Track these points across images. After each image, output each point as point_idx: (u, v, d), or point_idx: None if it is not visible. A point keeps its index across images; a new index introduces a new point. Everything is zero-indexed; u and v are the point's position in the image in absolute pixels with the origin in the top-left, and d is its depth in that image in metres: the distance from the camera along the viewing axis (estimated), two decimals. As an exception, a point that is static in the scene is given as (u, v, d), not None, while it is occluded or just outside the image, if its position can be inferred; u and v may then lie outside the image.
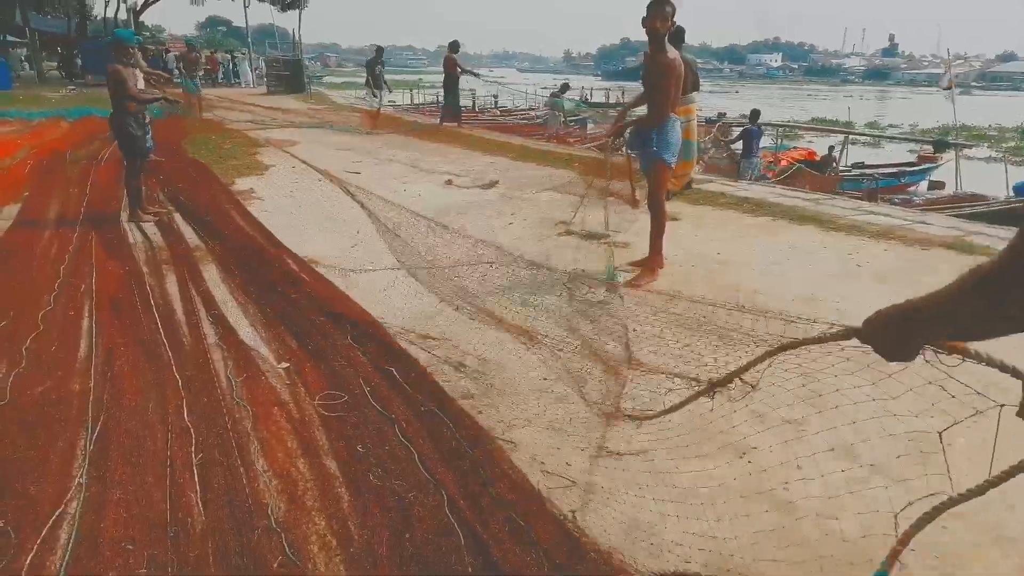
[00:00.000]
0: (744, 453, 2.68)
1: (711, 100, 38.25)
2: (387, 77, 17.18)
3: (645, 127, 4.85)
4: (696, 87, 7.38)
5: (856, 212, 6.96)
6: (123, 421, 2.98)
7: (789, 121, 24.47)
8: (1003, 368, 1.19)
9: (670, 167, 4.90)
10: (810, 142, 21.14)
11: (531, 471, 2.60)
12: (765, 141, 14.31)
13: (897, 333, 1.10)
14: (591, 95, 34.86)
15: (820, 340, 1.48)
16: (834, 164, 14.04)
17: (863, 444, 2.54)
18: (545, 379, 3.36)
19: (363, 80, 15.70)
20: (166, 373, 3.43)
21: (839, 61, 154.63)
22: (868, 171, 15.03)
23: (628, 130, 5.21)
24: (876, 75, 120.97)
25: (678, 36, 7.72)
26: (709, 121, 15.09)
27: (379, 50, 15.87)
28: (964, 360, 1.21)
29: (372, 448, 2.75)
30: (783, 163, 13.61)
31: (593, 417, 2.96)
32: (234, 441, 2.82)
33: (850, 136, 17.54)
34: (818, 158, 14.96)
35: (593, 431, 2.88)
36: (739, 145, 12.56)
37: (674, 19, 4.59)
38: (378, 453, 2.72)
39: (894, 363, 1.17)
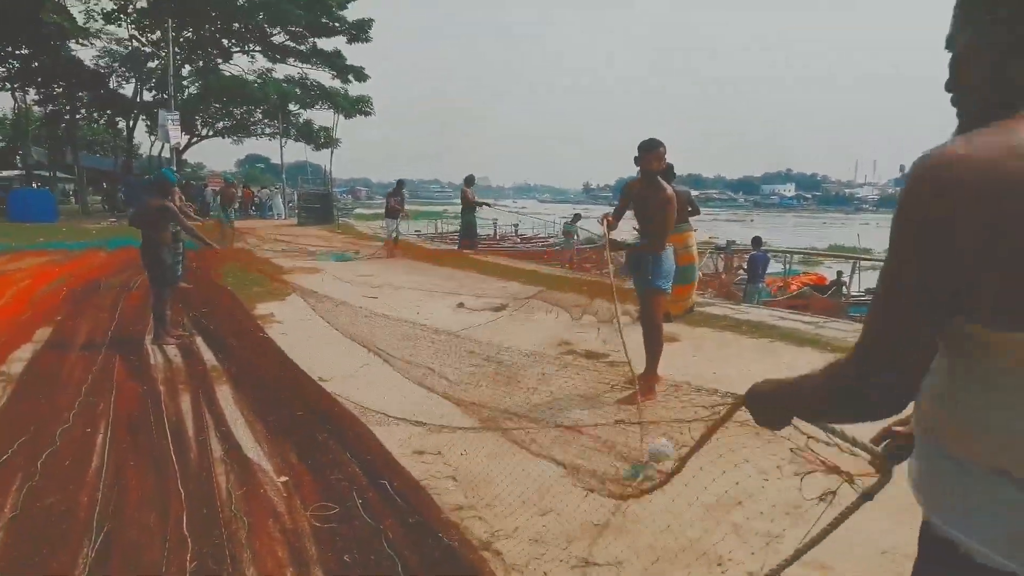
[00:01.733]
0: (719, 564, 2.73)
1: (727, 228, 39.26)
2: (408, 207, 18.15)
3: (645, 253, 5.16)
4: (694, 214, 7.77)
5: (856, 334, 7.07)
6: (125, 531, 3.11)
7: (806, 248, 25.01)
8: (853, 444, 1.35)
9: (666, 293, 5.17)
10: (828, 267, 21.50)
11: (510, 579, 2.68)
12: (776, 267, 14.69)
13: (770, 405, 1.27)
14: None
15: (724, 419, 1.64)
16: (844, 288, 14.26)
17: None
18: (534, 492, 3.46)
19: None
20: (171, 486, 3.58)
21: (852, 190, 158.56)
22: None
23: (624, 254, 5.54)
24: (890, 203, 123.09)
25: (669, 172, 8.26)
26: (719, 249, 15.52)
27: (399, 183, 16.99)
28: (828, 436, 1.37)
29: (359, 558, 2.85)
30: (792, 288, 13.88)
31: (575, 530, 3.04)
32: (228, 551, 2.93)
33: (860, 262, 17.83)
34: (827, 283, 15.22)
35: (573, 543, 2.95)
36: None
37: (664, 158, 5.06)
38: (364, 563, 2.81)
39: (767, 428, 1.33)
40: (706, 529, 2.88)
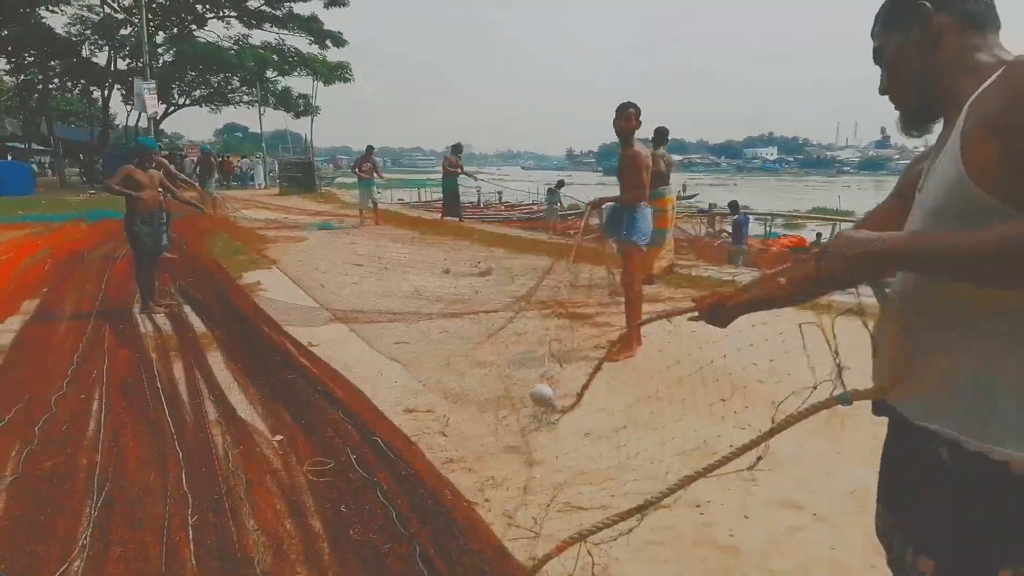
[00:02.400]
0: (699, 505, 2.89)
1: (711, 192, 39.35)
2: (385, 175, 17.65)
3: (619, 209, 5.28)
4: (667, 181, 7.86)
5: (843, 294, 7.24)
6: (126, 490, 3.21)
7: (789, 211, 25.22)
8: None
9: (641, 249, 5.29)
10: (811, 230, 21.77)
11: (500, 524, 2.81)
12: (757, 230, 14.88)
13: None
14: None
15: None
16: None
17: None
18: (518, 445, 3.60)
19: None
20: (168, 447, 3.67)
21: (834, 153, 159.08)
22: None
23: (604, 215, 5.64)
24: (871, 166, 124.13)
25: (661, 136, 8.35)
26: (702, 212, 15.66)
27: (368, 148, 16.26)
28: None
29: (354, 508, 2.97)
30: (773, 249, 14.08)
31: (563, 477, 3.18)
32: (227, 504, 3.04)
33: (840, 223, 18.06)
34: (808, 244, 15.42)
35: (560, 490, 3.09)
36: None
37: (638, 119, 5.17)
38: (359, 513, 2.93)
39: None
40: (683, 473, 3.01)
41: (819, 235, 15.54)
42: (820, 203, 39.76)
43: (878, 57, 1.36)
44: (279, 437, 3.78)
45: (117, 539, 2.79)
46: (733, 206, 13.07)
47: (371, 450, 3.54)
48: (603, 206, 5.67)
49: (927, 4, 1.25)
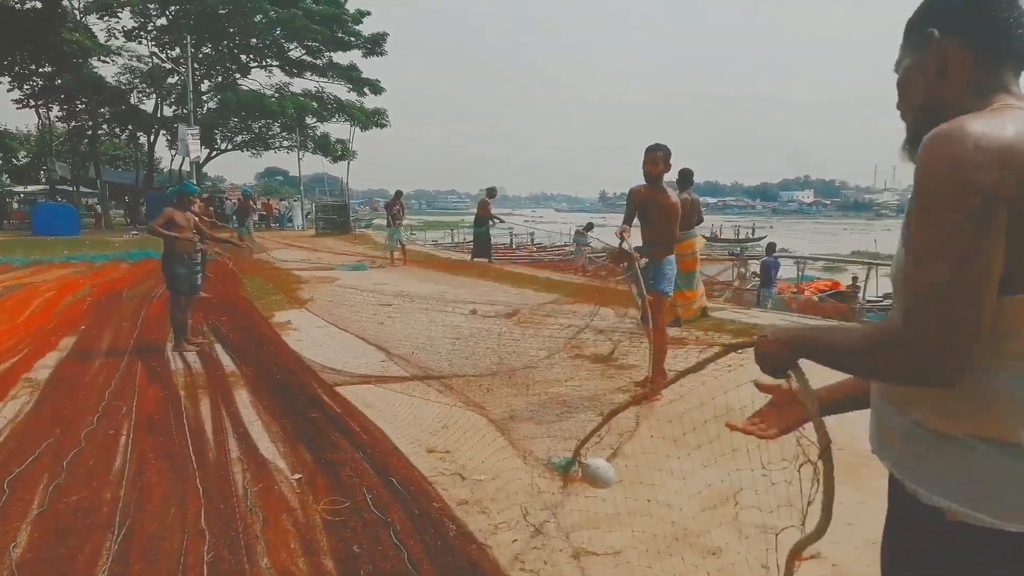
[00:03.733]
0: (713, 552, 2.83)
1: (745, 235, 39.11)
2: (409, 218, 18.34)
3: (649, 258, 5.28)
4: (698, 223, 7.87)
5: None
6: (146, 525, 3.26)
7: (825, 254, 24.95)
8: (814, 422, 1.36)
9: (667, 296, 5.28)
10: (854, 276, 21.47)
11: (511, 568, 2.79)
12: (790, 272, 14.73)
13: (793, 348, 1.24)
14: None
15: (732, 348, 1.61)
16: (856, 293, 14.26)
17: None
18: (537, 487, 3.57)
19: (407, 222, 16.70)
20: (190, 483, 3.73)
21: (872, 197, 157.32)
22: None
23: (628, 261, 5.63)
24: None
25: (686, 178, 8.39)
26: (733, 254, 15.55)
27: (397, 193, 17.06)
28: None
29: (367, 548, 2.97)
30: (805, 294, 13.89)
31: (576, 522, 3.15)
32: (243, 542, 3.06)
33: (878, 266, 17.78)
34: (843, 288, 15.21)
35: (573, 534, 3.06)
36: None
37: (667, 163, 5.18)
38: (372, 553, 2.93)
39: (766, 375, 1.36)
40: (702, 520, 2.97)
41: (855, 278, 15.28)
42: (857, 246, 39.24)
43: (897, 68, 1.27)
44: (297, 475, 3.81)
45: (133, 573, 2.82)
46: (770, 248, 12.99)
47: (387, 490, 3.55)
48: (635, 261, 5.64)
49: (934, 31, 1.14)
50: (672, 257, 5.27)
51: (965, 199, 0.95)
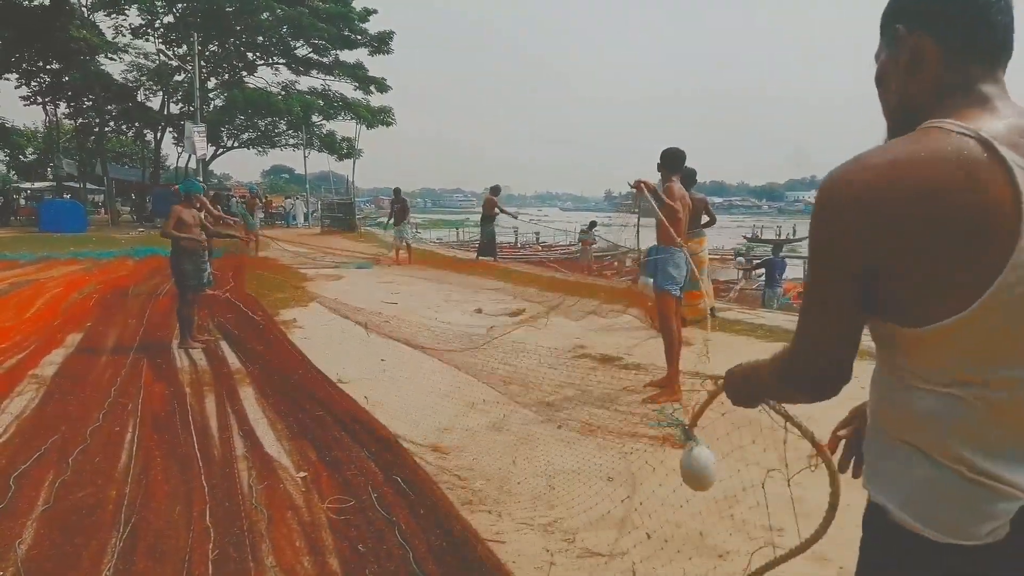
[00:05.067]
0: (721, 556, 2.81)
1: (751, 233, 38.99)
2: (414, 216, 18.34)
3: (655, 253, 5.33)
4: (710, 224, 7.84)
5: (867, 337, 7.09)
6: (151, 522, 3.26)
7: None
8: (801, 431, 1.48)
9: (673, 296, 5.27)
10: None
11: (517, 568, 2.78)
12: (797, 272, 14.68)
13: (738, 387, 1.40)
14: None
15: (708, 401, 1.71)
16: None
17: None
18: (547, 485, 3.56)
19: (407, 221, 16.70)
20: (195, 481, 3.72)
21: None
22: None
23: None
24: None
25: (690, 177, 8.36)
26: (739, 254, 15.50)
27: (396, 191, 17.17)
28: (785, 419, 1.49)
29: (372, 548, 2.96)
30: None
31: (582, 523, 3.14)
32: (248, 540, 3.06)
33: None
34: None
35: (579, 535, 3.05)
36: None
37: (669, 167, 5.28)
38: (377, 552, 2.93)
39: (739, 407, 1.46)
40: (709, 522, 2.95)
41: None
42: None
43: (876, 60, 1.22)
44: (303, 473, 3.80)
45: (139, 571, 2.82)
46: (776, 247, 12.98)
47: (392, 489, 3.54)
48: (644, 257, 5.70)
49: (900, 25, 1.11)
50: (681, 255, 5.25)
51: (821, 248, 1.06)
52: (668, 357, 5.26)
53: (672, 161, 5.41)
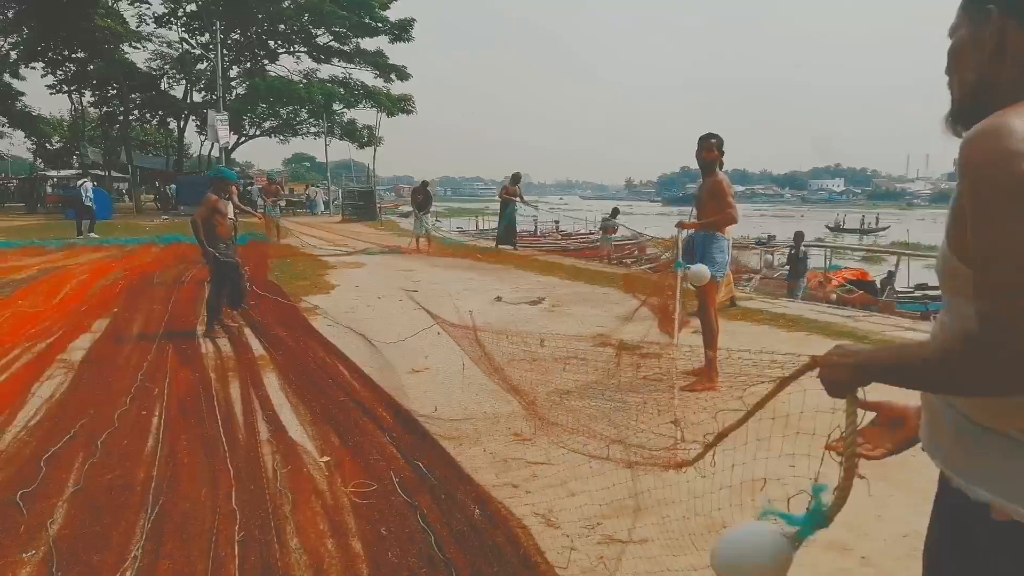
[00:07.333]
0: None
1: (774, 225, 38.65)
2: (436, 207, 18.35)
3: (696, 240, 5.34)
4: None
5: (894, 328, 7.03)
6: (178, 504, 3.32)
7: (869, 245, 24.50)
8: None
9: (717, 282, 5.28)
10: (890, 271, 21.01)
11: (537, 554, 2.79)
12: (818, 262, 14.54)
13: (856, 370, 1.17)
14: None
15: (793, 377, 1.52)
16: (885, 284, 14.01)
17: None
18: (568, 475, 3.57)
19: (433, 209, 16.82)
20: (221, 464, 3.78)
21: (903, 185, 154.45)
22: (930, 292, 14.82)
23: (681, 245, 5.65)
24: (943, 199, 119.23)
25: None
26: (760, 243, 15.37)
27: (423, 183, 17.14)
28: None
29: (394, 531, 3.00)
30: (833, 283, 13.69)
31: (604, 510, 3.15)
32: (273, 522, 3.11)
33: (909, 257, 17.45)
34: (871, 278, 14.94)
35: (602, 522, 3.06)
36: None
37: (720, 150, 5.24)
38: (399, 536, 2.96)
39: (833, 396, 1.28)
40: (731, 511, 2.94)
41: (891, 273, 14.91)
42: (894, 236, 38.58)
43: (951, 34, 1.18)
44: (326, 458, 3.85)
45: (167, 552, 2.88)
46: (798, 237, 12.83)
47: (415, 473, 3.58)
48: (685, 233, 5.64)
49: (993, 7, 1.06)
50: (724, 241, 5.29)
51: None
52: (706, 344, 5.27)
53: (722, 146, 5.39)
